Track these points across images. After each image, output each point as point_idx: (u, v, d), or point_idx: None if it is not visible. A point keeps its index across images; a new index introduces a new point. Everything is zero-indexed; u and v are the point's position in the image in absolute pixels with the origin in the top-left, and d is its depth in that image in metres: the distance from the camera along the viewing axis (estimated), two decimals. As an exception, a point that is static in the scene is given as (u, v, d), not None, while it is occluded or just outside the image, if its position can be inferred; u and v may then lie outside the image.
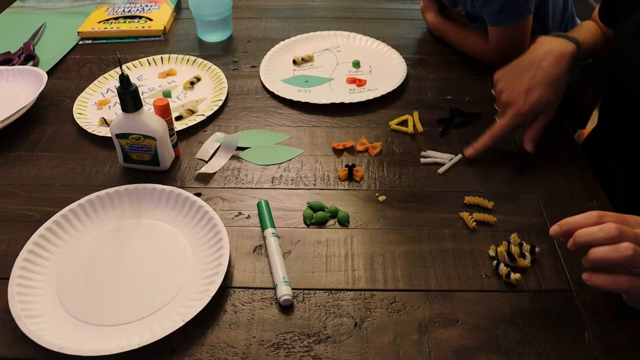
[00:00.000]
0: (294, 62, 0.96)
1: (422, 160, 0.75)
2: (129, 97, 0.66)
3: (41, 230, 0.63)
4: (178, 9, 1.15)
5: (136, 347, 0.52)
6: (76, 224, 0.65)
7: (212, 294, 0.56)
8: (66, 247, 0.63)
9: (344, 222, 0.66)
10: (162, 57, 0.96)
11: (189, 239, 0.64)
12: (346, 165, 0.73)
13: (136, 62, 0.95)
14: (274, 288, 0.58)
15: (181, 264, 0.61)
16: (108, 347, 0.52)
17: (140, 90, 0.68)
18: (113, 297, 0.58)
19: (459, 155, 0.75)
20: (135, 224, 0.66)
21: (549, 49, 0.73)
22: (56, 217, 0.64)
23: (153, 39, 1.05)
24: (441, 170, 0.73)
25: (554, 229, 0.53)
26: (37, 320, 0.55)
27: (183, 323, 0.53)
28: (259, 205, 0.67)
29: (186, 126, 0.81)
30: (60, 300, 0.58)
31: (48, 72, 0.90)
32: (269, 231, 0.63)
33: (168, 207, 0.67)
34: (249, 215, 0.67)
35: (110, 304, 0.57)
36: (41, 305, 0.57)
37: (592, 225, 0.50)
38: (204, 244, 0.62)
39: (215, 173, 0.73)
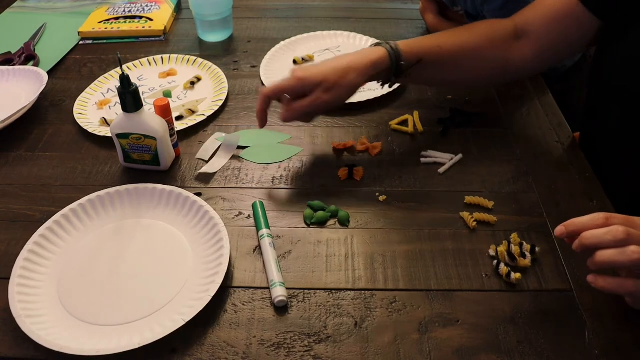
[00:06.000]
0: (294, 62, 0.96)
1: (423, 160, 0.75)
2: (130, 97, 0.67)
3: (42, 230, 0.63)
4: (178, 9, 1.15)
5: (137, 346, 0.52)
6: (77, 224, 0.65)
7: (213, 293, 0.56)
8: (67, 247, 0.63)
9: (344, 222, 0.66)
10: (162, 57, 0.97)
11: (189, 238, 0.64)
12: (346, 165, 0.73)
13: (136, 62, 0.96)
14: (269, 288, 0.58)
15: (181, 264, 0.61)
16: (108, 347, 0.52)
17: (140, 90, 0.68)
18: (113, 297, 0.58)
19: (460, 155, 0.75)
20: (136, 223, 0.66)
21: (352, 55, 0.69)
22: (57, 217, 0.64)
23: (153, 39, 1.05)
24: (441, 170, 0.73)
25: (560, 229, 0.52)
26: (37, 320, 0.55)
27: (183, 323, 0.53)
28: (253, 206, 0.67)
29: (187, 126, 0.81)
30: (60, 300, 0.58)
31: (48, 72, 0.90)
32: (263, 232, 0.63)
33: (168, 207, 0.67)
34: (249, 215, 0.67)
35: (110, 304, 0.58)
36: (42, 305, 0.57)
37: (598, 227, 0.49)
38: (204, 244, 0.63)
39: (215, 173, 0.73)
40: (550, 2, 0.72)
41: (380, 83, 0.73)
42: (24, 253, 0.60)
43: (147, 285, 0.59)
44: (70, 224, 0.65)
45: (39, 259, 0.61)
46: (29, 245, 0.61)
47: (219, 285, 0.57)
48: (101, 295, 0.58)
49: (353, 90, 0.69)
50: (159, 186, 0.68)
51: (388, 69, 0.69)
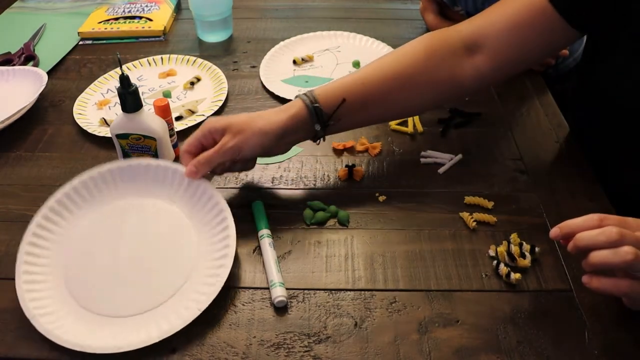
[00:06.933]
0: (294, 62, 0.96)
1: (422, 160, 0.75)
2: (129, 98, 0.66)
3: (35, 223, 0.61)
4: (178, 9, 1.15)
5: (157, 340, 0.52)
6: (72, 209, 0.63)
7: (224, 279, 0.56)
8: (65, 233, 0.62)
9: (344, 222, 0.66)
10: (162, 58, 0.97)
11: (191, 216, 0.63)
12: (346, 165, 0.73)
13: (136, 62, 0.96)
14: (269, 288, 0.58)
15: (187, 244, 0.61)
16: (129, 342, 0.52)
17: (140, 90, 0.68)
18: (121, 286, 0.58)
19: (459, 155, 0.75)
20: (132, 203, 0.64)
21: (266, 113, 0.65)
22: (50, 202, 0.62)
23: (153, 39, 1.05)
24: (441, 170, 0.73)
25: (554, 231, 0.52)
26: (50, 318, 0.54)
27: (199, 312, 0.54)
28: (253, 206, 0.67)
29: (186, 126, 0.81)
30: (71, 293, 0.57)
31: (48, 73, 0.90)
32: (263, 232, 0.63)
33: (166, 183, 0.65)
34: (249, 216, 0.67)
35: (120, 293, 0.57)
36: (51, 300, 0.56)
37: (592, 228, 0.50)
38: (207, 223, 0.62)
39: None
40: (513, 10, 0.65)
41: (313, 139, 0.68)
42: (23, 252, 0.59)
43: (154, 269, 0.59)
44: (66, 209, 0.63)
45: (38, 259, 0.59)
46: (25, 243, 0.59)
47: (228, 270, 0.57)
48: (109, 285, 0.58)
49: (263, 138, 0.63)
50: (153, 161, 0.66)
51: (308, 116, 0.64)
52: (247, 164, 0.68)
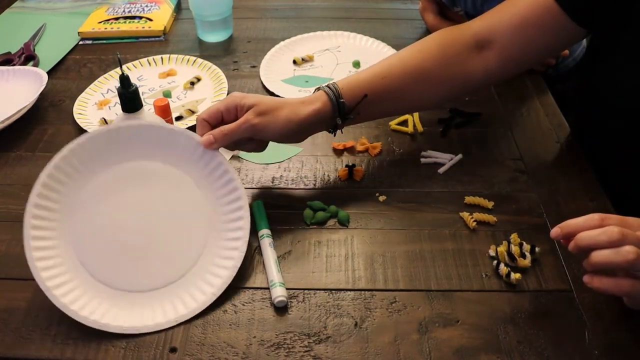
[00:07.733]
0: (294, 62, 0.96)
1: (422, 160, 0.75)
2: (129, 98, 0.66)
3: (43, 177, 0.57)
4: (178, 9, 1.15)
5: (174, 324, 0.54)
6: (79, 167, 0.60)
7: (243, 252, 0.58)
8: (72, 194, 0.59)
9: (344, 222, 0.66)
10: (162, 57, 0.97)
11: (201, 187, 0.61)
12: (346, 165, 0.73)
13: (136, 62, 0.96)
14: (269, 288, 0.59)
15: (196, 211, 0.60)
16: (144, 323, 0.54)
17: (140, 90, 0.68)
18: (132, 258, 0.58)
19: (459, 155, 0.75)
20: (142, 166, 0.61)
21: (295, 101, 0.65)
22: (56, 160, 0.59)
23: (153, 39, 1.05)
24: (441, 170, 0.73)
25: (555, 231, 0.52)
26: (63, 290, 0.55)
27: (215, 297, 0.55)
28: (253, 206, 0.67)
29: (186, 126, 0.80)
30: (80, 260, 0.57)
31: (48, 73, 0.90)
32: (263, 232, 0.63)
33: (177, 150, 0.62)
34: (249, 215, 0.67)
35: (130, 266, 0.58)
36: (62, 268, 0.56)
37: (593, 228, 0.50)
38: (220, 198, 0.61)
39: (215, 173, 0.73)
40: (519, 8, 0.67)
41: (331, 130, 0.68)
42: (30, 214, 0.56)
43: (165, 241, 0.59)
44: (73, 168, 0.59)
45: (45, 222, 0.57)
46: (31, 205, 0.57)
47: (246, 240, 0.58)
48: (120, 257, 0.57)
49: (286, 126, 0.62)
50: (167, 125, 0.62)
51: (331, 110, 0.65)
52: (261, 145, 0.67)
